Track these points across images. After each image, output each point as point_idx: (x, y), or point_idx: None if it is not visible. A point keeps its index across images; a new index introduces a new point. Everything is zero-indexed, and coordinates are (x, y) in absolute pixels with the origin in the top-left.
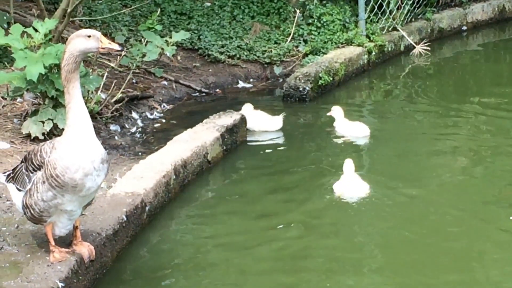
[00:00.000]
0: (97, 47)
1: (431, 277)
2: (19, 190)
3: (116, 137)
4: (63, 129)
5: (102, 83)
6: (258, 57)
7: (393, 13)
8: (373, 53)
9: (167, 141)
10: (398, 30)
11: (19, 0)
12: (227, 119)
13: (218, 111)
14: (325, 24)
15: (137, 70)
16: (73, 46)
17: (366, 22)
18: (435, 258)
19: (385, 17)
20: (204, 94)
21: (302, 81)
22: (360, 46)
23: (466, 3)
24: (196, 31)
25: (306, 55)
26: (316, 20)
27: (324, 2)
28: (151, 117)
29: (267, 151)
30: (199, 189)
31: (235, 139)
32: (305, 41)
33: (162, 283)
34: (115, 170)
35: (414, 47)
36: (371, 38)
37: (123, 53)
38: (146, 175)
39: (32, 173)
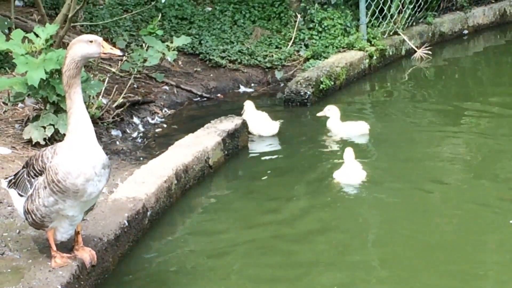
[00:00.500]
0: (98, 52)
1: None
2: (21, 195)
3: (117, 142)
4: (64, 135)
5: (103, 88)
6: (259, 61)
7: (394, 17)
8: (374, 57)
9: (168, 146)
10: (399, 34)
11: (20, 5)
12: (229, 123)
13: (220, 115)
14: (326, 28)
15: (138, 75)
16: (75, 51)
17: (367, 27)
18: (431, 252)
19: (386, 21)
20: (205, 99)
21: (304, 85)
22: (361, 50)
23: (467, 7)
24: (197, 36)
25: (307, 59)
26: (317, 25)
27: (325, 6)
28: (153, 122)
29: (268, 155)
30: (200, 194)
31: (236, 143)
32: (306, 46)
33: None
34: (117, 175)
35: (415, 51)
36: (372, 42)
37: (124, 58)
38: (148, 180)
39: (33, 178)
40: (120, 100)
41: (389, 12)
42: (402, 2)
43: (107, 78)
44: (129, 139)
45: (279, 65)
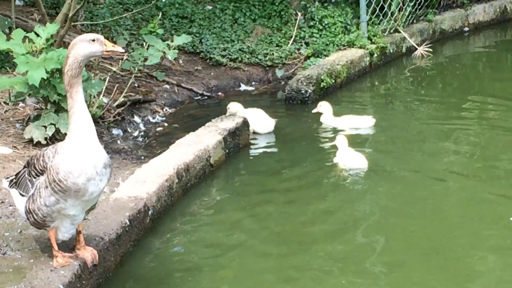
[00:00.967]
0: (101, 50)
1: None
2: (22, 195)
3: (118, 141)
4: (65, 134)
5: (104, 88)
6: (260, 60)
7: (395, 15)
8: (375, 55)
9: (169, 144)
10: (399, 32)
11: (20, 4)
12: (230, 122)
13: (220, 114)
14: (326, 26)
15: (139, 74)
16: (77, 51)
17: (368, 24)
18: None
19: (386, 19)
20: (206, 97)
21: (304, 83)
22: (361, 48)
23: (467, 4)
24: (197, 35)
25: (308, 57)
26: (317, 23)
27: (325, 4)
28: (153, 121)
29: (269, 154)
30: (202, 192)
31: (237, 142)
32: (307, 44)
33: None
34: (118, 174)
35: (416, 49)
36: (373, 40)
37: (125, 57)
38: (149, 179)
39: (35, 178)
40: (121, 99)
41: (389, 10)
42: None
43: (108, 77)
44: (130, 138)
45: (280, 63)
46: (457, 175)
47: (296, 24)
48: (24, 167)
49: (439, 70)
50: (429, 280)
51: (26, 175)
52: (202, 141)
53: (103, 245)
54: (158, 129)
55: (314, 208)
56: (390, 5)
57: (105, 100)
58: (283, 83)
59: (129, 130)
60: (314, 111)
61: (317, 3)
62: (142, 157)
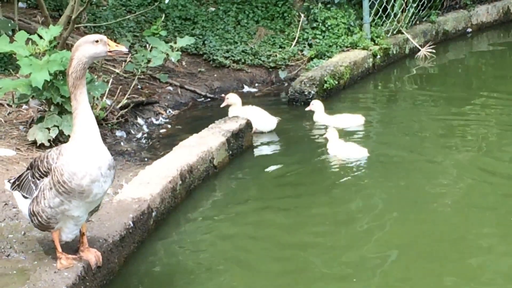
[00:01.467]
0: (105, 51)
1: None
2: (25, 197)
3: (122, 143)
4: (68, 136)
5: (108, 89)
6: (263, 61)
7: (398, 16)
8: (378, 56)
9: (172, 146)
10: (403, 33)
11: (23, 7)
12: (233, 124)
13: (224, 116)
14: (329, 28)
15: (142, 76)
16: (82, 52)
17: (371, 26)
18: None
19: (389, 20)
20: (209, 99)
21: (308, 85)
22: (365, 49)
23: (470, 5)
24: (200, 36)
25: (311, 59)
26: (320, 24)
27: (328, 6)
28: (157, 122)
29: (273, 155)
30: (205, 194)
31: (241, 144)
32: (310, 45)
33: None
34: (121, 176)
35: (419, 50)
36: (376, 41)
37: (128, 59)
38: (152, 180)
39: (38, 180)
40: (124, 101)
41: (392, 11)
42: (405, 0)
43: (111, 79)
44: (134, 140)
45: (283, 65)
46: (457, 172)
47: (299, 26)
48: (27, 169)
49: (442, 71)
50: (433, 272)
51: (30, 177)
52: (206, 143)
53: (107, 247)
54: (162, 130)
55: (318, 209)
56: (393, 6)
57: (109, 102)
58: (286, 84)
59: (133, 132)
60: (307, 109)
61: (320, 4)
62: (146, 159)
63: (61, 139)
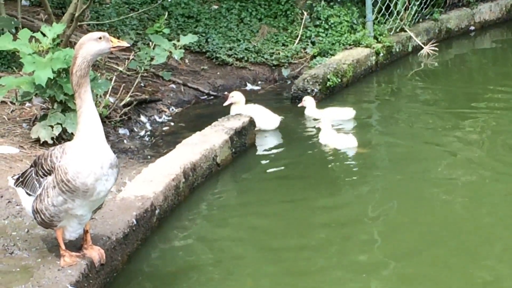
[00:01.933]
0: (108, 47)
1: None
2: (29, 194)
3: (125, 141)
4: (72, 134)
5: (111, 87)
6: (266, 59)
7: (401, 14)
8: (381, 54)
9: (176, 144)
10: (405, 31)
11: (26, 4)
12: (236, 121)
13: (227, 114)
14: (332, 25)
15: (145, 74)
16: (86, 50)
17: (374, 23)
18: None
19: (392, 18)
20: (212, 97)
21: (310, 82)
22: (368, 47)
23: (473, 3)
24: (203, 34)
25: (314, 56)
26: (323, 22)
27: (331, 3)
28: (160, 120)
29: (276, 153)
30: (208, 192)
31: (244, 141)
32: (313, 43)
33: (172, 287)
34: (125, 173)
35: (422, 48)
36: (379, 39)
37: (131, 56)
38: (156, 178)
39: (42, 178)
40: (128, 98)
41: (395, 9)
42: None
43: (114, 77)
44: (137, 138)
45: (286, 63)
46: (457, 171)
47: (302, 24)
48: (31, 166)
49: (445, 69)
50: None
51: (33, 175)
52: (209, 141)
53: (110, 245)
54: (165, 128)
55: (322, 206)
56: (396, 4)
57: (112, 99)
58: (289, 82)
59: (136, 130)
60: (299, 105)
61: (323, 2)
62: (149, 157)
63: (64, 136)
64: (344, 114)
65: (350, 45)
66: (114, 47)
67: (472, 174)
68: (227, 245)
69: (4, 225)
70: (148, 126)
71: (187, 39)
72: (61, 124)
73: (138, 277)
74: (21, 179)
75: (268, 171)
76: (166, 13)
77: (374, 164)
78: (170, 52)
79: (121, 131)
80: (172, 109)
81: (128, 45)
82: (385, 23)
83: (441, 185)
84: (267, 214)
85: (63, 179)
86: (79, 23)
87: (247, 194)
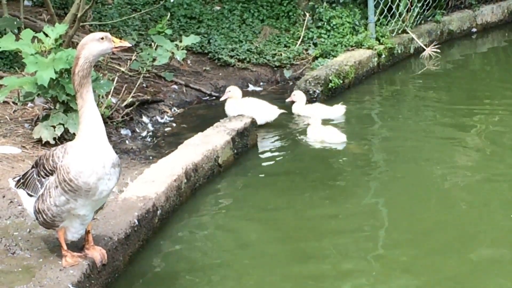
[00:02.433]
0: (111, 48)
1: None
2: (30, 195)
3: (127, 141)
4: (74, 134)
5: (113, 88)
6: (268, 60)
7: (403, 16)
8: (383, 55)
9: (178, 145)
10: (407, 33)
11: (29, 5)
12: (238, 122)
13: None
14: (334, 27)
15: (147, 74)
16: (88, 51)
17: (376, 25)
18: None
19: (394, 20)
20: (214, 97)
21: (312, 84)
22: (370, 48)
23: (475, 5)
24: (206, 35)
25: (316, 58)
26: (325, 23)
27: (333, 5)
28: (162, 121)
29: (278, 154)
30: (210, 192)
31: (245, 142)
32: (315, 44)
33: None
34: (126, 174)
35: (424, 50)
36: (381, 41)
37: (134, 57)
38: (157, 179)
39: (44, 178)
40: (130, 99)
41: (397, 11)
42: (410, 0)
43: (116, 78)
44: (139, 138)
45: (288, 64)
46: (457, 173)
47: (304, 25)
48: (32, 167)
49: (447, 70)
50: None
51: (35, 175)
52: (211, 141)
53: (112, 245)
54: (167, 129)
55: (324, 207)
56: (398, 6)
57: (114, 100)
58: (291, 83)
59: (138, 130)
60: (288, 100)
61: (325, 3)
62: (151, 157)
63: (66, 137)
64: (333, 112)
65: (352, 46)
66: (116, 48)
67: (473, 176)
68: (228, 246)
69: (6, 225)
70: (150, 126)
71: (189, 40)
72: (63, 125)
73: (139, 278)
74: (22, 180)
75: (270, 172)
76: (169, 14)
77: (378, 164)
78: (172, 53)
79: (123, 131)
80: (174, 110)
81: (130, 45)
82: (387, 24)
83: (441, 187)
84: (270, 215)
85: (65, 178)
86: (81, 24)
87: (249, 195)
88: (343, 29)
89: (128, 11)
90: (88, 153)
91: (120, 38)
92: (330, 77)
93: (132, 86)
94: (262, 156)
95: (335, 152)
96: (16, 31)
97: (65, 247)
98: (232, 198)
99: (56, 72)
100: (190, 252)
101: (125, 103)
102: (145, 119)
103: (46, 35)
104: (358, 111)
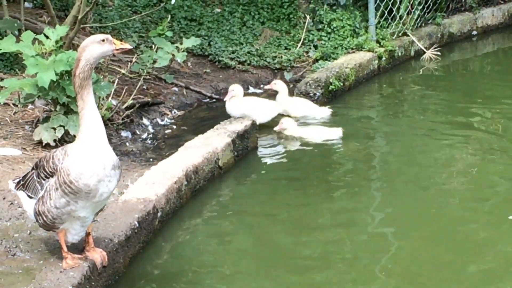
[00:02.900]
0: (112, 50)
1: None
2: (30, 197)
3: (127, 144)
4: (74, 136)
5: (113, 90)
6: (269, 62)
7: (403, 18)
8: (383, 58)
9: (178, 147)
10: (408, 35)
11: (29, 7)
12: (238, 125)
13: (229, 117)
14: (335, 29)
15: (147, 77)
16: (90, 53)
17: (376, 28)
18: None
19: (395, 22)
20: (214, 100)
21: (313, 86)
22: (370, 51)
23: (476, 8)
24: (206, 37)
25: (316, 60)
26: (326, 26)
27: (334, 7)
28: (162, 123)
29: (278, 156)
30: (210, 195)
31: (246, 145)
32: (315, 47)
33: None
34: (127, 176)
35: (424, 52)
36: (381, 44)
37: (134, 59)
38: (158, 181)
39: (44, 180)
40: (130, 101)
41: (398, 13)
42: (411, 3)
43: (117, 80)
44: (139, 140)
45: (288, 66)
46: (456, 175)
47: (305, 27)
48: (32, 169)
49: (448, 73)
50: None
51: (35, 177)
52: (211, 144)
53: (112, 247)
54: (167, 131)
55: (326, 209)
56: (398, 8)
57: (114, 102)
58: (291, 86)
59: (138, 132)
60: (267, 87)
61: (325, 6)
62: (151, 159)
63: (66, 139)
64: (319, 112)
65: (352, 49)
66: (117, 50)
67: (472, 181)
68: (229, 248)
69: (6, 227)
70: (150, 128)
71: (190, 42)
72: (63, 126)
73: (140, 280)
74: (22, 182)
75: (270, 174)
76: (169, 16)
77: (378, 166)
78: (173, 55)
79: (123, 133)
80: (175, 112)
81: (131, 47)
82: (387, 27)
83: (442, 188)
84: (270, 217)
85: (65, 180)
86: (82, 26)
87: (249, 197)
88: (344, 32)
89: (129, 13)
90: (89, 155)
91: (121, 40)
92: (331, 80)
93: (132, 88)
94: (262, 158)
95: (335, 154)
96: (16, 33)
97: (65, 249)
98: (233, 200)
99: (56, 74)
100: (191, 254)
101: (125, 105)
102: (145, 121)
103: (47, 37)
104: (358, 113)
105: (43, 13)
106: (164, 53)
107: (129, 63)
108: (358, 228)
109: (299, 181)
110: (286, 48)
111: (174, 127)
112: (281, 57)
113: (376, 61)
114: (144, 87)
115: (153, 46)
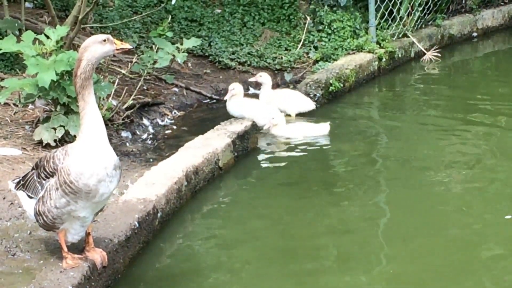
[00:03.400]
0: (113, 50)
1: None
2: (30, 197)
3: (127, 144)
4: (74, 136)
5: (113, 90)
6: (269, 63)
7: (404, 20)
8: (384, 59)
9: (178, 147)
10: (408, 37)
11: (30, 7)
12: (238, 125)
13: (229, 117)
14: (335, 30)
15: (148, 77)
16: (91, 53)
17: (377, 29)
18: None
19: (395, 24)
20: (214, 100)
21: (313, 87)
22: (370, 52)
23: (476, 9)
24: (206, 38)
25: (316, 61)
26: (326, 27)
27: (334, 8)
28: (162, 123)
29: (278, 157)
30: (210, 195)
31: (246, 145)
32: (316, 48)
33: None
34: (127, 176)
35: (425, 54)
36: (382, 45)
37: (134, 59)
38: (158, 181)
39: (44, 180)
40: (130, 101)
41: (398, 14)
42: (411, 4)
43: (117, 80)
44: (139, 141)
45: (289, 67)
46: (455, 174)
47: (305, 28)
48: (33, 169)
49: (447, 75)
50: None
51: (35, 177)
52: (211, 144)
53: (112, 247)
54: (167, 131)
55: (325, 210)
56: (399, 9)
57: (114, 102)
58: (291, 87)
59: (138, 133)
60: (251, 79)
61: (326, 7)
62: (151, 160)
63: (67, 139)
64: (306, 104)
65: (352, 50)
66: (118, 50)
67: (472, 181)
68: (229, 248)
69: (7, 227)
70: (150, 129)
71: (190, 42)
72: (64, 127)
73: (140, 280)
74: (22, 182)
75: (270, 174)
76: (170, 17)
77: (379, 167)
78: (173, 55)
79: (124, 134)
80: (175, 113)
81: (131, 47)
82: (387, 28)
83: (442, 188)
84: (270, 217)
85: (66, 180)
86: (82, 26)
87: (249, 198)
88: (344, 33)
89: (129, 13)
90: (89, 155)
91: (121, 41)
92: (331, 81)
93: (132, 89)
94: (262, 159)
95: (335, 154)
96: (17, 33)
97: (65, 249)
98: (233, 201)
99: (57, 74)
100: (191, 255)
101: (125, 106)
102: (145, 121)
103: (47, 37)
104: (358, 114)
105: (44, 13)
106: (164, 53)
107: (130, 63)
108: (358, 229)
109: (299, 182)
110: (286, 49)
111: (174, 127)
112: (281, 58)
113: (376, 62)
114: (145, 87)
115: (153, 46)
